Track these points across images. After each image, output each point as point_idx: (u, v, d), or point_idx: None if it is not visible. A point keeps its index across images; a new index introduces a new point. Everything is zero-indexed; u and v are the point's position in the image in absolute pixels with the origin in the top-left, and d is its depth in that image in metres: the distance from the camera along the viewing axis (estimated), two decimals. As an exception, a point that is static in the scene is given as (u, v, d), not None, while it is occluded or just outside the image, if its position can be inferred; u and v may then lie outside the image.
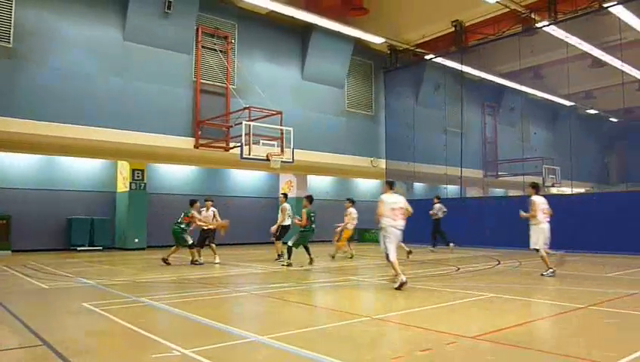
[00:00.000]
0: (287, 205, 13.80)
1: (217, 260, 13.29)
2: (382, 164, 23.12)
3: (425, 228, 20.83)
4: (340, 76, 21.55)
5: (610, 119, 31.67)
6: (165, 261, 12.66)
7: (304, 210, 12.52)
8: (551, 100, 27.22)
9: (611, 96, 23.02)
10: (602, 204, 16.24)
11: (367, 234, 23.48)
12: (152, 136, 16.05)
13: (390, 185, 8.72)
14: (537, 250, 9.95)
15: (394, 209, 8.34)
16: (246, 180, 22.60)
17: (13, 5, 14.02)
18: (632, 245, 14.64)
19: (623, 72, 18.54)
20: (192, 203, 13.22)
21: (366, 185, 26.38)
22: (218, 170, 21.64)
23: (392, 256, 8.35)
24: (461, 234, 18.67)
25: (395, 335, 5.30)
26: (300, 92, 20.20)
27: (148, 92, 16.18)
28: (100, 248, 17.73)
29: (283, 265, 12.40)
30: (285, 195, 14.51)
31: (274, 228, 13.80)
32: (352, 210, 14.76)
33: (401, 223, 8.41)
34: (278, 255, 13.85)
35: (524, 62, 20.74)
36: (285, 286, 9.22)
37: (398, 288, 8.07)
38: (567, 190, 21.89)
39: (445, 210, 17.47)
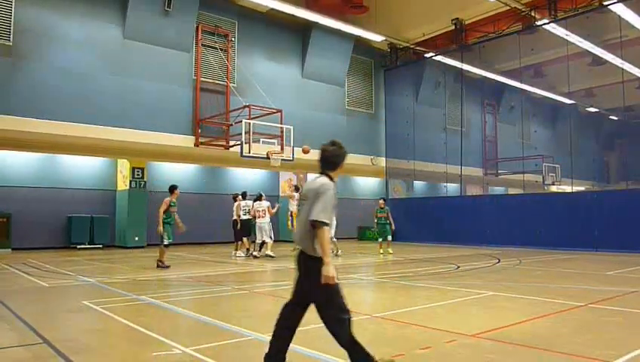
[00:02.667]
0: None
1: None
2: (382, 162, 23.12)
3: (423, 227, 20.90)
4: (340, 74, 21.53)
5: (611, 117, 31.65)
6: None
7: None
8: (551, 98, 27.19)
9: (611, 94, 22.99)
10: (602, 202, 16.23)
11: (367, 232, 23.47)
12: (152, 135, 16.05)
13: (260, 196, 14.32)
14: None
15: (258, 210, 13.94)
16: (246, 178, 22.57)
17: (13, 3, 14.00)
18: (633, 243, 14.64)
19: (623, 70, 18.50)
20: (172, 189, 11.89)
21: (366, 184, 26.37)
22: (218, 168, 21.62)
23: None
24: (461, 232, 18.69)
25: (395, 333, 5.30)
26: (300, 90, 20.19)
27: (148, 90, 16.17)
28: (100, 246, 17.73)
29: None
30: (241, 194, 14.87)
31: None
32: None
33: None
34: (247, 249, 14.46)
35: (525, 61, 20.72)
36: (286, 284, 9.23)
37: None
38: (567, 188, 21.88)
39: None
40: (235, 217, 14.39)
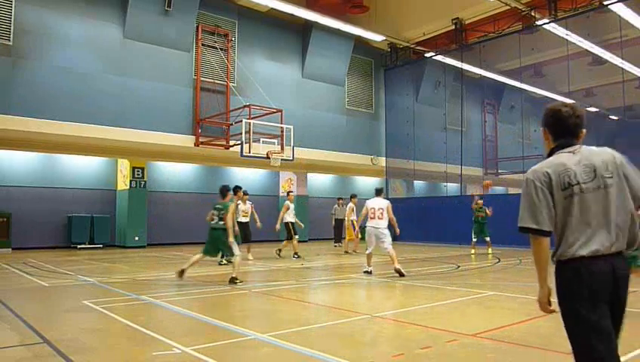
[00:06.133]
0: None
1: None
2: (382, 161, 23.11)
3: (423, 227, 20.89)
4: (340, 74, 21.53)
5: (611, 117, 31.64)
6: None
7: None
8: (551, 98, 27.14)
9: (612, 93, 22.98)
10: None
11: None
12: (152, 134, 16.05)
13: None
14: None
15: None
16: (246, 178, 22.59)
17: (13, 3, 14.00)
18: (632, 243, 14.61)
19: (623, 69, 18.49)
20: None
21: (366, 183, 26.37)
22: (218, 168, 21.63)
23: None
24: (461, 231, 18.68)
25: (395, 332, 5.30)
26: (300, 90, 20.19)
27: (148, 90, 16.16)
28: (100, 246, 17.73)
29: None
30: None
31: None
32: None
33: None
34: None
35: (525, 60, 20.70)
36: (285, 284, 9.23)
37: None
38: (567, 188, 21.88)
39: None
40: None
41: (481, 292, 7.82)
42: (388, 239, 9.91)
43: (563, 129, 2.61)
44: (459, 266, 11.83)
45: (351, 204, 15.68)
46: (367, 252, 10.10)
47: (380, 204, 10.08)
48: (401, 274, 9.50)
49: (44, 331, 5.13)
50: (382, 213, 9.95)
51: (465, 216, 19.26)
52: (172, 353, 4.37)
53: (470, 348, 4.57)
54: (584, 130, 2.65)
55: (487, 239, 14.80)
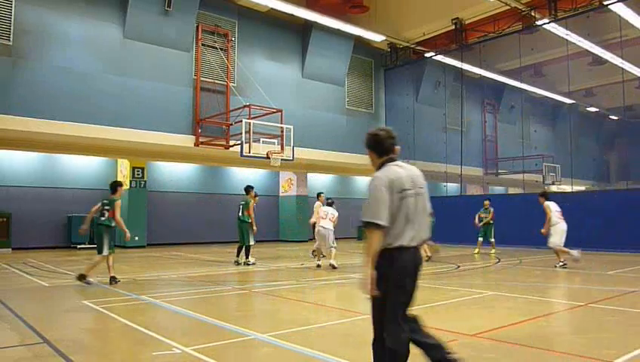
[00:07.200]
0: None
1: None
2: (382, 161, 23.08)
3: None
4: (340, 74, 21.52)
5: (611, 117, 31.66)
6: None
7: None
8: (551, 98, 27.19)
9: (612, 93, 22.99)
10: (602, 201, 16.21)
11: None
12: (152, 134, 16.04)
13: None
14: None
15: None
16: (246, 178, 22.60)
17: (13, 3, 13.99)
18: (633, 243, 14.63)
19: (623, 69, 18.49)
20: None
21: (366, 183, 26.37)
22: (218, 168, 21.63)
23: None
24: (461, 231, 18.70)
25: (395, 332, 5.29)
26: (300, 90, 20.18)
27: (148, 90, 16.16)
28: (100, 246, 17.72)
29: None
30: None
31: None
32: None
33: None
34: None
35: (525, 60, 20.71)
36: (285, 284, 9.24)
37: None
38: (567, 188, 21.89)
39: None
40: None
41: (481, 292, 7.82)
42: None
43: (383, 148, 3.39)
44: (459, 266, 11.82)
45: None
46: (321, 247, 11.79)
47: (332, 211, 11.74)
48: (334, 267, 11.16)
49: (44, 331, 5.13)
50: (332, 217, 11.70)
51: (465, 216, 19.28)
52: (172, 353, 4.37)
53: (470, 349, 4.56)
54: (398, 147, 3.44)
55: (492, 240, 15.57)
